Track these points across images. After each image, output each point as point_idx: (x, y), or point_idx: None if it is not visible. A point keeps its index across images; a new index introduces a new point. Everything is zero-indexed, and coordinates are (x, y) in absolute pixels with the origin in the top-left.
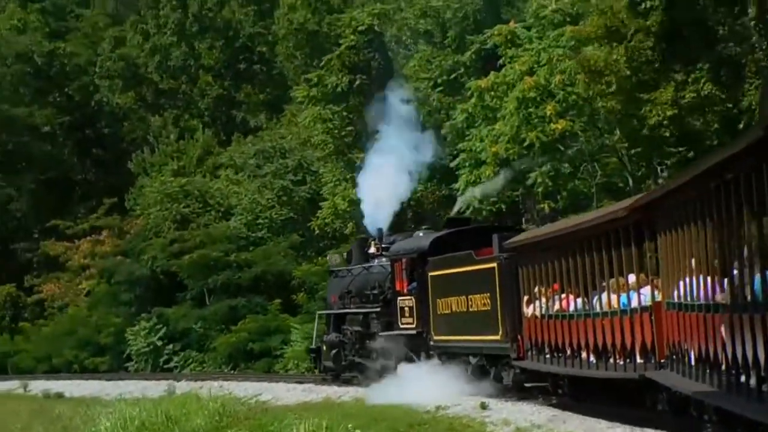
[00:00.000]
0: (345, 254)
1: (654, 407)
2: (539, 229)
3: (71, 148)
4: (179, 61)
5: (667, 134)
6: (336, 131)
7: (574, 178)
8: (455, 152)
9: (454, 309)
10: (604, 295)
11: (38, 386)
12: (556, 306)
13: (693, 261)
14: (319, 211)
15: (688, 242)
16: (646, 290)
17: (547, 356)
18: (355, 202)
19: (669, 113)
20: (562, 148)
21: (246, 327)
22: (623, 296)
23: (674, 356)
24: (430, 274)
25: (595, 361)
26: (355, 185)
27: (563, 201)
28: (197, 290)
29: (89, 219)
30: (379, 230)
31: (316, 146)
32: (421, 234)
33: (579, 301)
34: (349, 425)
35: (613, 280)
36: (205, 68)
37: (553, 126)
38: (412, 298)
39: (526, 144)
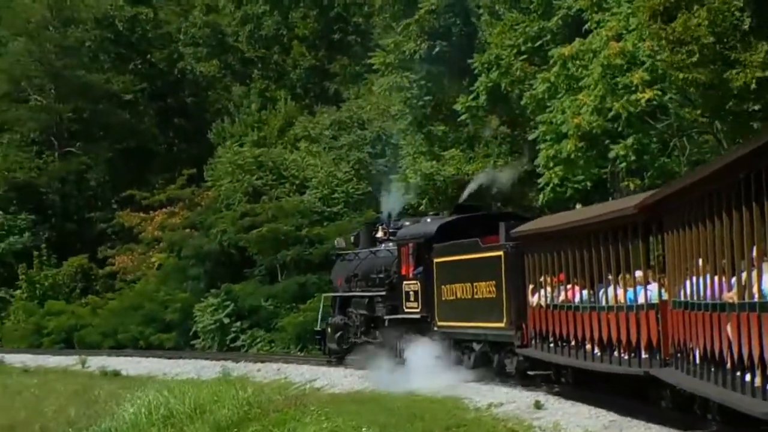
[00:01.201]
0: (351, 237)
1: (657, 403)
2: (546, 218)
3: (151, 117)
4: (271, 31)
5: (756, 108)
6: (414, 101)
7: (663, 154)
8: (535, 125)
9: (459, 295)
10: (611, 289)
11: (97, 363)
12: (562, 296)
13: (700, 260)
14: (391, 185)
15: (695, 242)
16: (653, 287)
17: (551, 345)
18: (429, 177)
19: (758, 75)
20: (651, 122)
21: (315, 306)
22: (630, 292)
23: (679, 354)
24: (436, 260)
25: (599, 354)
26: (432, 158)
27: (650, 179)
28: (266, 266)
29: (166, 190)
30: (388, 214)
31: (394, 117)
32: (428, 219)
33: (585, 293)
34: (374, 425)
35: (620, 276)
36: (299, 38)
37: (639, 95)
38: (418, 282)
39: (611, 115)
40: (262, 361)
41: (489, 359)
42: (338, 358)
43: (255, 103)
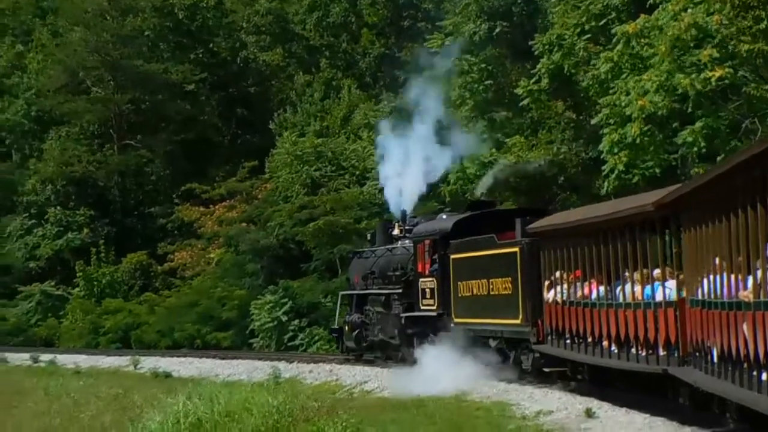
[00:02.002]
0: (368, 235)
1: (675, 399)
2: (563, 214)
3: (213, 108)
4: (339, 18)
5: None
6: (474, 85)
7: (734, 136)
8: (598, 108)
9: (475, 292)
10: (628, 286)
11: (151, 363)
12: (578, 293)
13: (717, 259)
14: (449, 176)
15: (712, 240)
16: (671, 284)
17: (567, 342)
18: (487, 165)
19: None
20: (721, 102)
21: None
22: (647, 289)
23: (697, 353)
24: (452, 256)
25: (616, 351)
26: (494, 146)
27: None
28: (324, 261)
29: (227, 182)
30: (403, 212)
31: (454, 103)
32: (444, 216)
33: (601, 289)
34: None
35: (637, 273)
36: (368, 26)
37: (709, 74)
38: (434, 279)
39: (678, 94)
40: (315, 362)
41: (506, 356)
42: (356, 356)
43: (318, 92)
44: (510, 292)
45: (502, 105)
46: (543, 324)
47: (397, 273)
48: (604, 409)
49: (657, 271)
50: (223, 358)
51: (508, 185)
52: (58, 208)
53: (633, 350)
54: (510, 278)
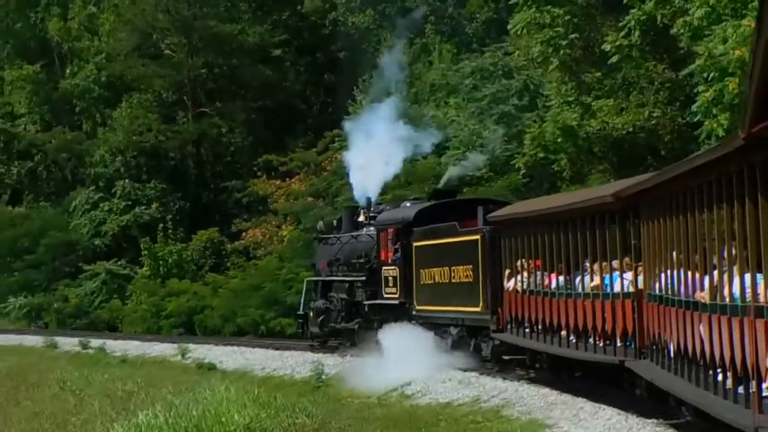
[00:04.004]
0: (334, 221)
1: (632, 391)
2: (524, 203)
3: (298, 74)
4: None
5: None
6: (558, 41)
7: None
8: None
9: (437, 279)
10: (587, 277)
11: (201, 353)
12: (538, 282)
13: (674, 254)
14: (526, 144)
15: (670, 235)
16: (629, 276)
17: (527, 331)
18: (570, 131)
19: None
20: None
21: None
22: (606, 279)
23: (654, 346)
24: (415, 244)
25: (575, 341)
26: (582, 110)
27: None
28: None
29: (297, 154)
30: (368, 199)
31: (535, 60)
32: (408, 204)
33: (561, 279)
34: None
35: (596, 263)
36: None
37: None
38: (396, 267)
39: None
40: None
41: (466, 343)
42: (320, 343)
43: (405, 56)
44: (471, 280)
45: (591, 64)
46: (503, 312)
47: (361, 260)
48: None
49: (615, 263)
50: (277, 349)
51: (593, 155)
52: (128, 180)
53: (591, 341)
54: (471, 266)
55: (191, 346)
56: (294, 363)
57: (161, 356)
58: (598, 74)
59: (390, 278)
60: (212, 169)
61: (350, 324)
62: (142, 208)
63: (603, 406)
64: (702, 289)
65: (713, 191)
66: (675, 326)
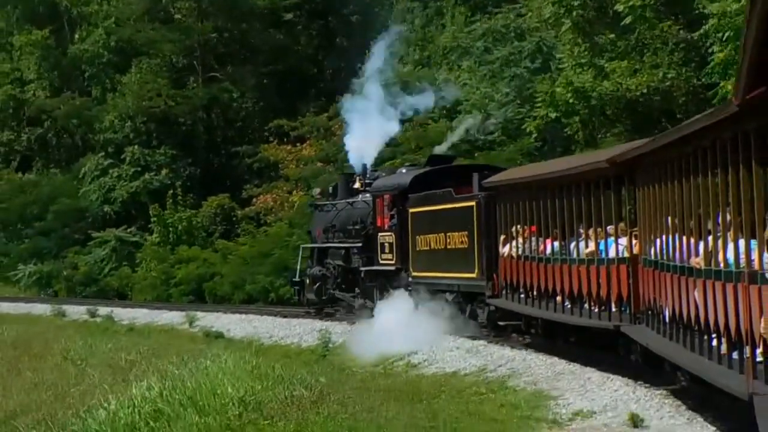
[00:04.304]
0: (330, 188)
1: (627, 356)
2: (519, 169)
3: (311, 38)
4: None
5: None
6: (571, 2)
7: None
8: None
9: (432, 246)
10: (582, 242)
11: (209, 321)
12: (533, 248)
13: (669, 219)
14: (538, 105)
15: (665, 201)
16: (624, 241)
17: (522, 296)
18: (583, 93)
19: None
20: None
21: None
22: (601, 244)
23: (650, 312)
24: (411, 210)
25: (569, 306)
26: (595, 72)
27: None
28: None
29: (307, 118)
30: (364, 165)
31: (547, 22)
32: (403, 170)
33: (556, 244)
34: None
35: (591, 229)
36: None
37: None
38: (392, 234)
39: None
40: None
41: (462, 309)
42: (317, 310)
43: (419, 18)
44: (466, 246)
45: (605, 25)
46: (498, 278)
47: (357, 227)
48: (651, 413)
49: (611, 228)
50: (285, 317)
51: (606, 118)
52: (137, 146)
53: (586, 306)
54: (466, 232)
55: (199, 314)
56: (302, 331)
57: (169, 325)
58: (612, 36)
59: (386, 244)
60: (223, 134)
61: (348, 294)
62: (152, 174)
63: (611, 376)
64: (697, 254)
65: (708, 157)
66: (670, 292)
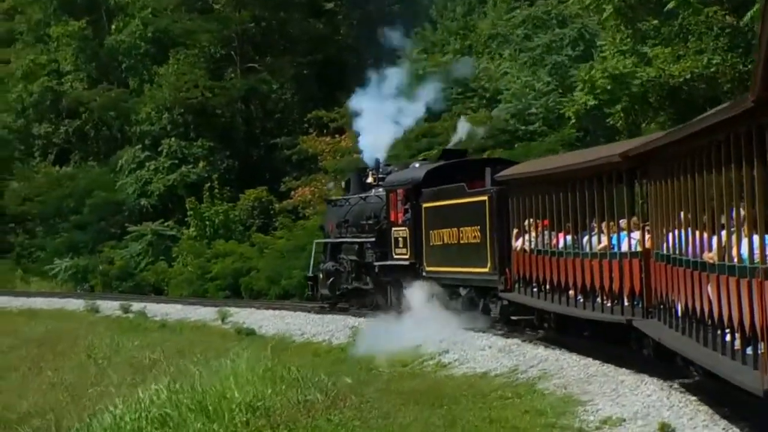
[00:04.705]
0: (343, 183)
1: (640, 350)
2: (532, 163)
3: (351, 28)
4: None
5: None
6: None
7: None
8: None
9: (446, 240)
10: (594, 236)
11: (242, 317)
12: (545, 241)
13: (682, 214)
14: (576, 92)
15: (678, 195)
16: (637, 235)
17: (535, 290)
18: (623, 79)
19: None
20: None
21: None
22: (613, 238)
23: (662, 306)
24: (424, 205)
25: (582, 300)
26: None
27: None
28: None
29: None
30: (377, 160)
31: (588, 8)
32: (417, 165)
33: (568, 238)
34: None
35: (603, 223)
36: None
37: None
38: (406, 228)
39: None
40: None
41: (475, 304)
42: (330, 304)
43: (460, 6)
44: (479, 241)
45: (647, 11)
46: (511, 272)
47: (371, 222)
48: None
49: (624, 222)
50: (318, 313)
51: (649, 106)
52: (174, 139)
53: (598, 300)
54: (479, 227)
55: (233, 310)
56: (334, 328)
57: (201, 321)
58: (655, 22)
59: (400, 239)
60: (262, 126)
61: (362, 285)
62: (189, 167)
63: (645, 378)
64: (710, 249)
65: (722, 152)
66: (683, 286)
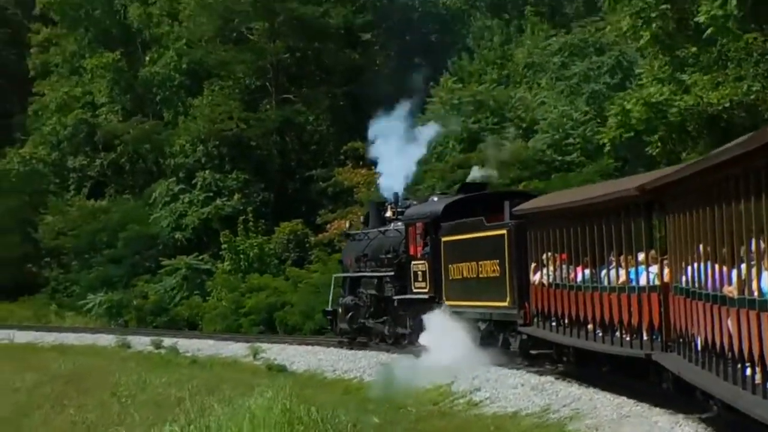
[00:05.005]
0: (362, 217)
1: (659, 384)
2: (550, 196)
3: (389, 58)
4: None
5: None
6: (649, 12)
7: None
8: None
9: (465, 274)
10: (612, 270)
11: (275, 353)
12: (564, 275)
13: (701, 247)
14: (609, 120)
15: (696, 228)
16: (655, 269)
17: (553, 324)
18: (658, 107)
19: None
20: None
21: None
22: (632, 272)
23: (681, 339)
24: (443, 239)
25: (601, 335)
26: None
27: None
28: None
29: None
30: (395, 194)
31: (624, 34)
32: (435, 199)
33: (587, 272)
34: None
35: (621, 256)
36: None
37: None
38: (426, 262)
39: None
40: None
41: (495, 338)
42: (349, 339)
43: (498, 35)
44: (498, 275)
45: (686, 38)
46: (530, 306)
47: (390, 256)
48: None
49: (642, 256)
50: (351, 349)
51: (687, 135)
52: (209, 171)
53: (617, 334)
54: (498, 260)
55: (265, 345)
56: (366, 365)
57: (233, 357)
58: (694, 49)
59: (419, 273)
60: (297, 157)
61: (381, 319)
62: (224, 199)
63: (680, 420)
64: (729, 282)
65: (740, 185)
66: (702, 320)
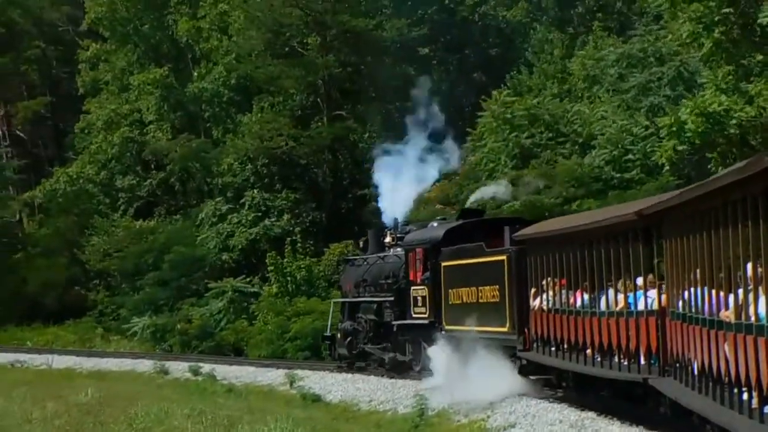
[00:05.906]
0: (360, 243)
1: (657, 409)
2: (549, 222)
3: (442, 73)
4: None
5: None
6: (710, 17)
7: None
8: None
9: (465, 300)
10: (611, 295)
11: (313, 381)
12: (563, 300)
13: (698, 272)
14: (664, 139)
15: (693, 253)
16: (653, 293)
17: (553, 349)
18: (717, 118)
19: None
20: None
21: None
22: (630, 297)
23: (678, 364)
24: (443, 264)
25: (599, 359)
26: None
27: None
28: None
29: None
30: (395, 220)
31: (683, 41)
32: (435, 224)
33: (585, 297)
34: None
35: (620, 282)
36: None
37: None
38: (425, 287)
39: None
40: None
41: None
42: (348, 364)
43: (558, 49)
44: (498, 300)
45: (752, 44)
46: (529, 332)
47: (389, 281)
48: None
49: (640, 280)
50: (391, 378)
51: (750, 148)
52: (257, 190)
53: (615, 359)
54: (498, 286)
55: (304, 373)
56: (403, 395)
57: (269, 385)
58: (760, 57)
59: (419, 298)
60: (350, 176)
61: (380, 344)
62: (273, 219)
63: None
64: (726, 307)
65: (738, 211)
66: (699, 345)
